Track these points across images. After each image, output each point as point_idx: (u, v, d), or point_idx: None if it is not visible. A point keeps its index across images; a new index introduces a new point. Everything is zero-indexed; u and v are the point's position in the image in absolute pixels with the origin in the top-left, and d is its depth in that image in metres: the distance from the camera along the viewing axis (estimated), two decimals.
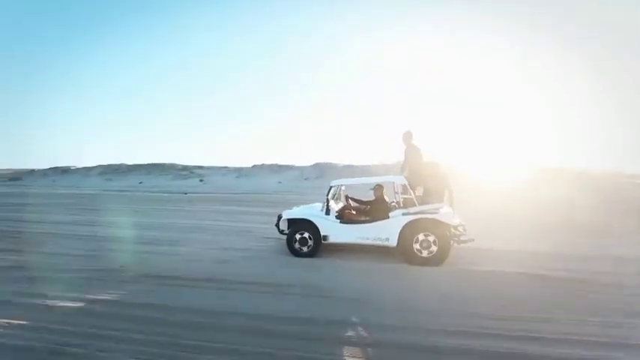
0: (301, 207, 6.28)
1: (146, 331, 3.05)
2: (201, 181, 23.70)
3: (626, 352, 2.72)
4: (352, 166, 22.80)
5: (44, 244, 6.42)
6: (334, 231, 5.41)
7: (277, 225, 5.84)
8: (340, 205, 6.04)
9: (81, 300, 3.77)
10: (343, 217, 5.57)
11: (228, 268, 4.95)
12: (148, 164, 29.28)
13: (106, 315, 3.42)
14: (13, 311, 3.49)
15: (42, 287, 4.18)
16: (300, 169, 24.21)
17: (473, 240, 5.02)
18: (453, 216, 5.06)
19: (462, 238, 4.95)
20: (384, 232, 5.18)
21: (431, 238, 4.94)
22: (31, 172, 32.53)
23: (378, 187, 5.70)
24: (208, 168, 27.82)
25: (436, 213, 5.00)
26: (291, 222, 5.67)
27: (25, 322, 3.25)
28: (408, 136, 5.47)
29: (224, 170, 26.66)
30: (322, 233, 5.42)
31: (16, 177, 30.66)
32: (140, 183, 24.13)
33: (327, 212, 5.50)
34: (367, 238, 5.27)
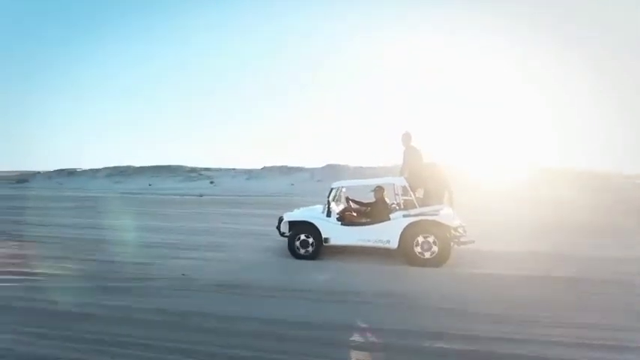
0: (302, 209, 6.19)
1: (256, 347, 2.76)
2: (211, 183, 23.31)
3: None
4: (363, 167, 22.21)
5: (91, 251, 6.09)
6: (335, 233, 5.31)
7: (278, 227, 5.74)
8: (341, 207, 5.96)
9: (181, 314, 3.39)
10: (344, 219, 5.48)
11: (292, 274, 4.67)
12: (155, 166, 28.76)
13: (222, 331, 3.07)
14: (130, 329, 3.12)
15: (124, 298, 3.84)
16: (311, 170, 23.66)
17: (473, 241, 4.90)
18: (454, 217, 4.95)
19: (462, 240, 4.84)
20: (385, 234, 5.07)
21: (431, 240, 4.84)
22: (36, 174, 32.12)
23: (379, 189, 5.60)
24: (216, 170, 27.34)
25: (437, 215, 4.89)
26: (292, 224, 5.57)
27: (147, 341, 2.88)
28: (406, 138, 5.37)
29: (232, 172, 26.17)
30: (323, 235, 5.32)
31: (23, 179, 30.11)
32: (149, 185, 23.91)
33: (328, 214, 5.40)
34: (368, 240, 5.16)
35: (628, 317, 3.21)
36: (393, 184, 5.44)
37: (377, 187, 5.61)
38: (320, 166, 23.91)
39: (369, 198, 5.90)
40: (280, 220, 5.77)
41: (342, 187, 6.01)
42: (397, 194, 5.46)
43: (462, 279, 4.36)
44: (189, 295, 3.96)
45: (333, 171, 22.16)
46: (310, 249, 5.36)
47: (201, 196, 17.07)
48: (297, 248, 5.40)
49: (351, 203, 5.97)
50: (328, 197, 5.54)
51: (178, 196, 17.05)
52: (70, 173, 30.32)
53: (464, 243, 4.84)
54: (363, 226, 5.26)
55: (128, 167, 29.72)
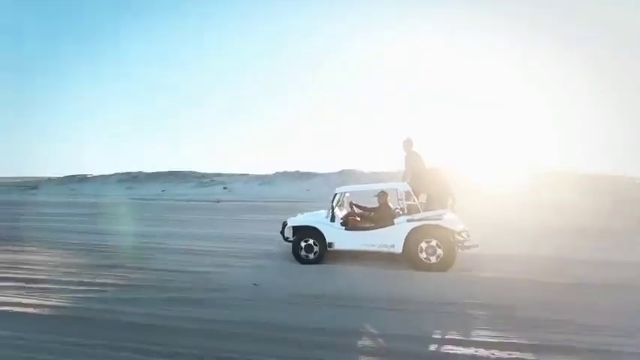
0: (306, 214, 6.15)
1: None
2: (225, 188, 23.10)
3: None
4: (378, 172, 21.49)
5: (145, 259, 5.74)
6: (339, 238, 5.25)
7: (282, 232, 5.68)
8: (344, 212, 5.91)
9: (302, 329, 3.11)
10: (348, 223, 5.43)
11: (358, 283, 4.39)
12: (167, 172, 28.59)
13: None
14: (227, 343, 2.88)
15: (207, 312, 3.53)
16: (324, 175, 23.11)
17: (477, 246, 4.80)
18: (457, 222, 4.87)
19: (465, 244, 4.74)
20: (389, 238, 5.00)
21: (435, 244, 4.75)
22: (48, 181, 31.86)
23: (382, 194, 5.54)
24: (228, 175, 26.99)
25: (440, 219, 4.81)
26: (297, 229, 5.52)
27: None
28: (408, 144, 5.31)
29: (245, 178, 25.68)
30: (328, 240, 5.26)
31: (34, 185, 29.92)
32: (162, 191, 23.76)
33: (333, 219, 5.35)
34: (372, 245, 5.09)
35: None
36: (397, 189, 5.39)
37: (380, 192, 5.55)
38: (335, 171, 23.63)
39: (373, 203, 5.85)
40: (284, 225, 5.73)
41: (346, 192, 5.96)
42: (401, 199, 5.41)
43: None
44: (267, 307, 3.67)
45: (346, 176, 21.62)
46: (315, 254, 5.30)
47: (218, 202, 16.73)
48: (303, 253, 5.35)
49: (354, 208, 5.92)
50: (332, 202, 5.50)
51: (194, 202, 16.67)
52: (81, 179, 30.33)
53: (468, 247, 4.75)
54: (367, 231, 5.19)
55: (139, 173, 29.62)
